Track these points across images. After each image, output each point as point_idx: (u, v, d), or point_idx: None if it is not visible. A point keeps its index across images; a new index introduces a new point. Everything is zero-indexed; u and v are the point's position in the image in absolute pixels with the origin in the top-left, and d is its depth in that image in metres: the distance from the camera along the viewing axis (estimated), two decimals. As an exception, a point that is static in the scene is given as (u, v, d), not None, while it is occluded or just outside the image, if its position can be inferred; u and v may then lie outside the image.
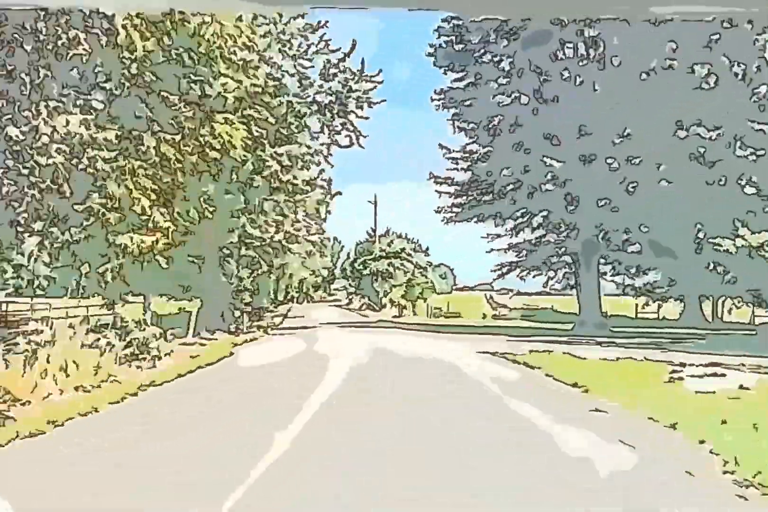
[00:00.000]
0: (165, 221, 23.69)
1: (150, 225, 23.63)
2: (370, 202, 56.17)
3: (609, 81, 34.66)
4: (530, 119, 34.36)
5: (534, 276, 40.26)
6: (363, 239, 62.87)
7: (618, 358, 22.99)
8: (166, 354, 22.59)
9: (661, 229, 36.06)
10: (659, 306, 44.67)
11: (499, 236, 37.59)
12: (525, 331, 35.21)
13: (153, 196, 23.42)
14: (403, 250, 54.49)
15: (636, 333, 34.77)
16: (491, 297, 51.14)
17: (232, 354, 23.77)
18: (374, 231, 58.54)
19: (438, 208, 36.27)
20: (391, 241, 55.94)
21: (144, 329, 21.82)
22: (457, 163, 35.49)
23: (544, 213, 36.45)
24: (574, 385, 16.31)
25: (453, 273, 65.46)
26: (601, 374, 18.30)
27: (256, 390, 15.21)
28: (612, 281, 43.08)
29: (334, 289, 79.21)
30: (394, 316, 48.58)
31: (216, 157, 28.03)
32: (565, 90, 34.58)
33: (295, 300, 74.93)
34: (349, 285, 64.73)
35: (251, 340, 30.20)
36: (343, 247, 75.33)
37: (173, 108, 24.76)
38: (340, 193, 42.20)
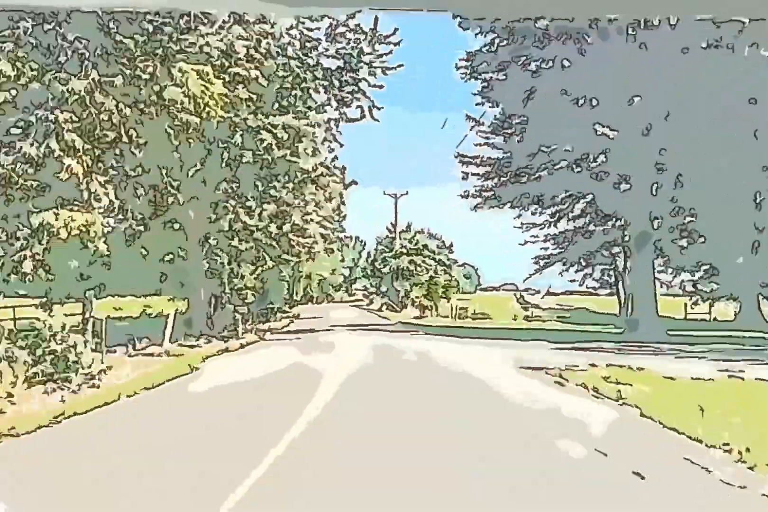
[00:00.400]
0: (106, 194, 16.54)
1: (87, 198, 16.53)
2: (389, 194, 49.40)
3: (664, 45, 27.22)
4: (574, 86, 27.01)
5: (576, 271, 32.86)
6: (383, 236, 56.00)
7: (714, 378, 15.62)
8: (101, 372, 15.49)
9: (718, 218, 28.64)
10: (710, 306, 37.47)
11: (535, 225, 30.22)
12: (568, 336, 27.80)
13: (89, 161, 16.30)
14: (425, 246, 47.31)
15: (699, 338, 27.24)
16: (521, 296, 43.64)
17: (194, 370, 16.57)
18: (394, 226, 51.51)
19: (465, 192, 28.84)
20: (413, 237, 48.86)
21: (65, 338, 14.69)
22: (487, 138, 28.04)
23: (589, 197, 29.05)
24: (704, 441, 8.93)
25: (477, 273, 58.57)
26: (725, 412, 10.88)
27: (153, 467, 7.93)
28: (656, 279, 35.96)
29: (356, 289, 72.79)
30: (415, 317, 41.24)
31: (193, 120, 20.97)
32: (615, 51, 27.20)
33: (314, 300, 68.14)
34: (370, 284, 57.92)
35: (239, 348, 23.05)
36: (364, 246, 68.58)
37: (121, 50, 17.70)
38: (355, 183, 35.28)
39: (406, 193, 48.95)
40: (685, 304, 37.85)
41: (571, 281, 37.64)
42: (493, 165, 28.20)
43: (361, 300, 64.11)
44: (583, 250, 30.31)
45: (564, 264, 30.27)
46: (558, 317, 39.01)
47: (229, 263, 28.52)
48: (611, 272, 38.20)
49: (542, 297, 43.73)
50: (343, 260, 66.50)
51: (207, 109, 19.32)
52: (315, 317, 42.54)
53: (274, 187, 26.93)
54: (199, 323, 25.94)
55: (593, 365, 16.92)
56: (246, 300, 32.80)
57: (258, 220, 27.46)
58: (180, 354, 20.43)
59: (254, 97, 23.35)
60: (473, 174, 28.44)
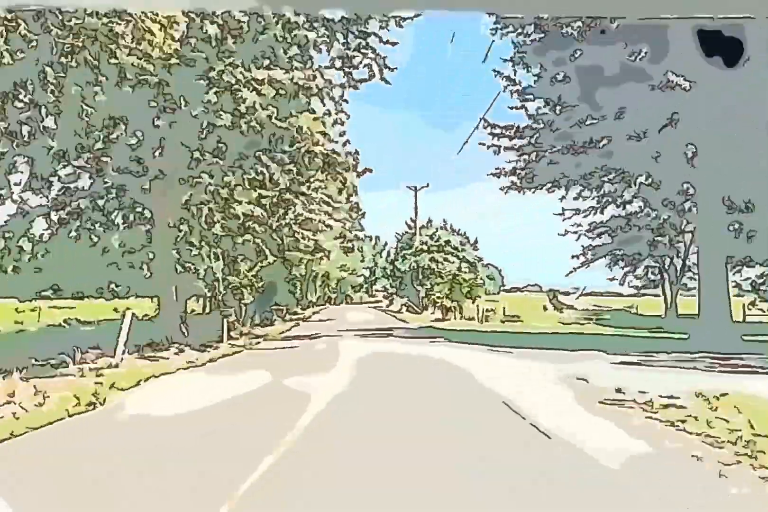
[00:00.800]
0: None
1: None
2: (409, 187, 43.36)
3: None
4: (629, 32, 20.55)
5: (625, 267, 26.39)
6: (403, 232, 50.17)
7: None
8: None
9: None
10: (770, 305, 31.34)
11: (579, 212, 23.76)
12: (622, 343, 21.35)
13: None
14: (447, 242, 41.00)
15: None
16: (555, 296, 37.17)
17: (102, 403, 10.29)
18: (414, 221, 45.31)
19: (497, 169, 22.34)
20: (434, 233, 42.61)
21: None
22: (524, 101, 21.50)
23: (644, 176, 22.54)
24: None
25: (501, 274, 52.63)
26: None
27: None
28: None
29: (376, 290, 67.59)
30: (437, 320, 34.86)
31: (142, 65, 14.83)
32: None
33: (332, 301, 62.29)
34: (390, 285, 51.93)
35: (208, 362, 16.75)
36: (385, 245, 63.15)
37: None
38: (370, 170, 29.09)
39: (427, 186, 42.93)
40: (744, 305, 31.44)
41: (610, 279, 31.47)
42: (530, 136, 21.69)
43: (381, 301, 58.51)
44: (638, 241, 23.78)
45: (614, 257, 23.72)
46: (597, 319, 32.57)
47: (220, 258, 22.48)
48: (656, 269, 31.91)
49: (577, 298, 37.42)
50: (363, 260, 60.72)
51: (148, 39, 13.07)
52: (326, 319, 36.31)
53: (266, 166, 20.70)
54: (170, 328, 19.77)
55: (704, 398, 10.47)
56: (243, 301, 26.75)
57: (247, 205, 21.28)
58: (125, 371, 14.27)
59: (230, 38, 17.18)
60: (506, 148, 21.91)
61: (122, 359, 16.59)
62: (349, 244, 46.34)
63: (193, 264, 19.65)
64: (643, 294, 37.45)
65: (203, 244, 20.04)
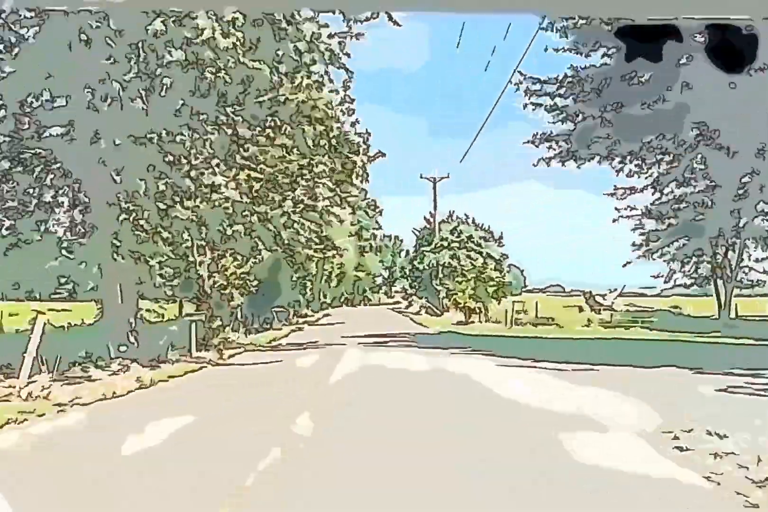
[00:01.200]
0: None
1: None
2: (427, 178, 37.70)
3: None
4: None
5: (686, 260, 20.68)
6: (421, 227, 44.48)
7: None
8: None
9: None
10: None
11: (633, 191, 18.02)
12: (694, 353, 15.65)
13: None
14: (470, 237, 35.35)
15: None
16: (591, 296, 31.38)
17: None
18: (433, 216, 39.58)
19: (534, 135, 16.61)
20: (455, 228, 36.89)
21: None
22: (577, 50, 15.71)
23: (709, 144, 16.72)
24: None
25: (523, 274, 46.46)
26: None
27: None
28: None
29: (395, 291, 61.75)
30: (459, 322, 29.27)
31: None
32: None
33: (350, 302, 56.91)
34: (409, 285, 46.32)
35: (137, 389, 11.27)
36: (401, 244, 57.35)
37: None
38: (383, 155, 23.56)
39: (447, 176, 37.18)
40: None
41: (654, 277, 26.18)
42: (577, 94, 15.93)
43: (400, 302, 52.98)
44: (702, 231, 18.00)
45: (679, 247, 17.97)
46: (643, 322, 26.90)
47: (206, 252, 17.28)
48: (707, 264, 26.15)
49: (615, 298, 31.60)
50: (381, 259, 55.29)
51: None
52: (335, 323, 30.86)
53: (234, 125, 15.21)
54: (117, 337, 14.32)
55: None
56: (231, 302, 21.34)
57: (216, 179, 15.81)
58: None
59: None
60: (550, 109, 16.12)
61: (29, 382, 11.35)
62: (366, 243, 41.33)
63: (143, 255, 14.23)
64: (672, 294, 32.00)
65: (159, 229, 14.62)
